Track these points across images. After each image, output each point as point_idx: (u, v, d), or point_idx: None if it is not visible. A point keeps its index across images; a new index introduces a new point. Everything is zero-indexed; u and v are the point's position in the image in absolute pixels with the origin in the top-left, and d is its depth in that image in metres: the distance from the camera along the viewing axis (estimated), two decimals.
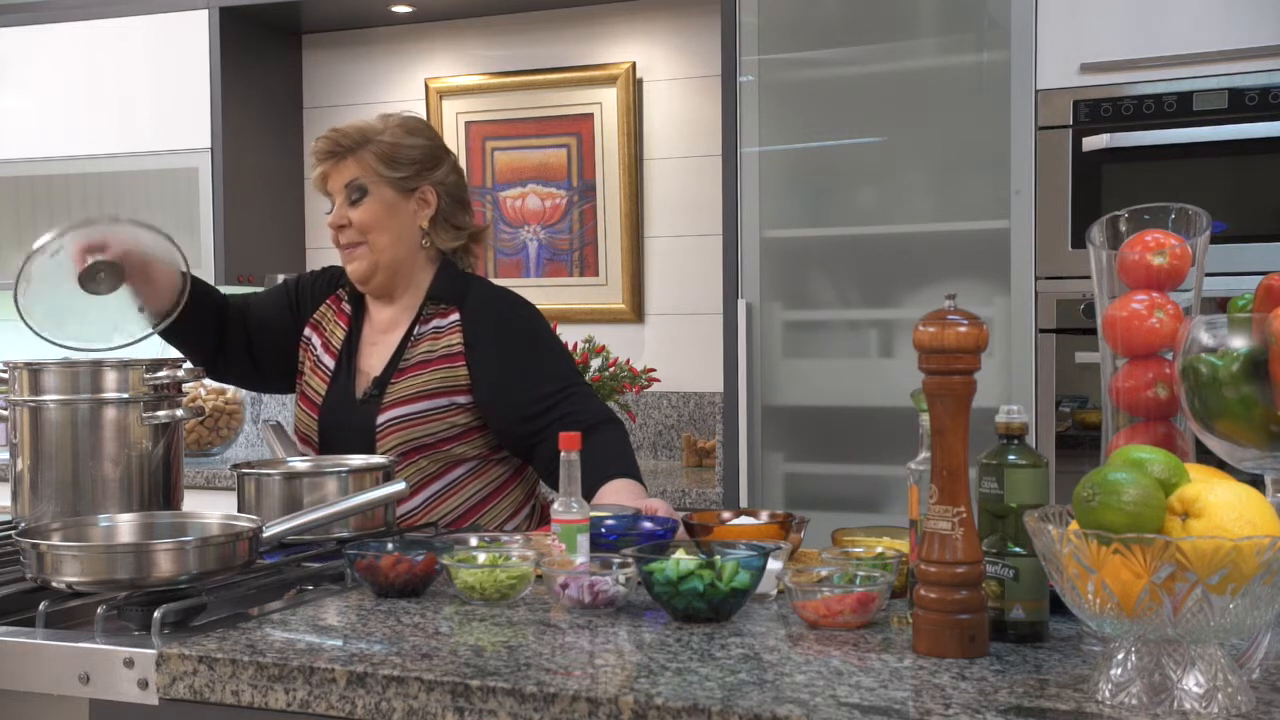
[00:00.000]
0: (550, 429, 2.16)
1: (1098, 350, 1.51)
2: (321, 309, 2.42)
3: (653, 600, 1.57)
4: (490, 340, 2.27)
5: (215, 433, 3.99)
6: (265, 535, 1.72)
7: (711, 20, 3.57)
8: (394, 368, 2.29)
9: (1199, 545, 1.13)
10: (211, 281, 3.90)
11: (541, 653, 1.41)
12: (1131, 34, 2.80)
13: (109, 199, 4.06)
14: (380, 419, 2.24)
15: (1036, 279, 2.87)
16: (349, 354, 2.35)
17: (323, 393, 2.34)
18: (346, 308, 2.39)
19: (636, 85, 3.91)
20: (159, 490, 1.96)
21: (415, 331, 2.30)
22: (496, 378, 2.25)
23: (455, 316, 2.30)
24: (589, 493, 2.07)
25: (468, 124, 4.10)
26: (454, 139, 4.10)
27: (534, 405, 2.22)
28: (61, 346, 2.04)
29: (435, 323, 2.30)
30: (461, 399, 2.25)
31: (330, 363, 2.36)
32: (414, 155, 2.31)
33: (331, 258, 2.36)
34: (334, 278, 2.44)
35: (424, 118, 2.38)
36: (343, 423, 2.29)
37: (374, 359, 2.33)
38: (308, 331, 2.41)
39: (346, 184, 2.29)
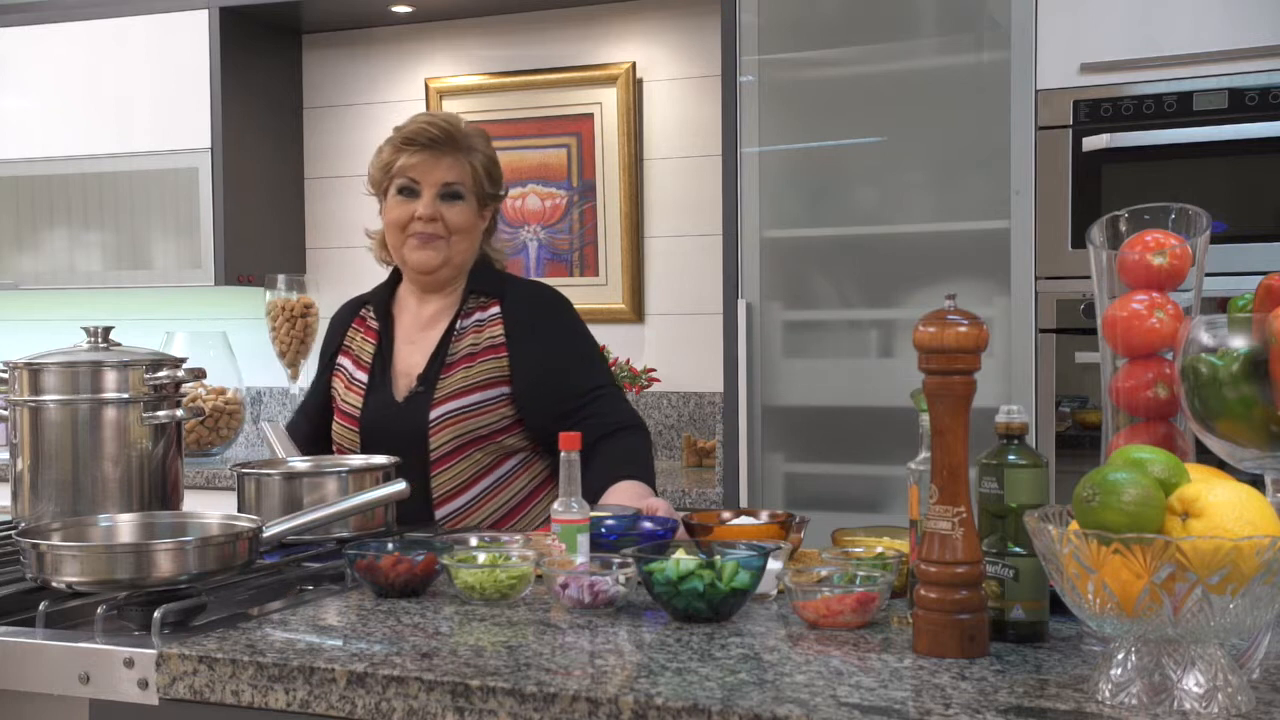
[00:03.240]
0: (579, 427, 2.15)
1: (1098, 350, 1.51)
2: (349, 334, 2.43)
3: (653, 600, 1.57)
4: (531, 333, 2.30)
5: (215, 433, 3.98)
6: (265, 535, 1.72)
7: (711, 20, 3.57)
8: (440, 363, 2.30)
9: (1199, 545, 1.13)
10: (212, 282, 3.94)
11: (541, 653, 1.41)
12: (1131, 34, 2.80)
13: (109, 199, 4.06)
14: (434, 414, 2.25)
15: (1036, 279, 2.87)
16: (382, 363, 2.36)
17: (360, 405, 2.34)
18: (373, 323, 2.40)
19: (636, 85, 3.90)
20: (159, 490, 1.96)
21: (458, 326, 2.32)
22: (536, 370, 2.27)
23: (496, 309, 2.32)
24: (599, 493, 2.09)
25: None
26: None
27: (568, 402, 2.25)
28: None
29: (477, 316, 2.32)
30: (507, 389, 2.27)
31: (363, 376, 2.36)
32: (500, 174, 2.39)
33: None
34: (354, 307, 2.47)
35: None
36: (387, 427, 2.29)
37: (414, 357, 2.34)
38: (340, 359, 2.42)
39: (447, 183, 2.29)
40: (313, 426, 2.45)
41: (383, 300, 2.41)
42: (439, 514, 2.25)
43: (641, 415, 3.82)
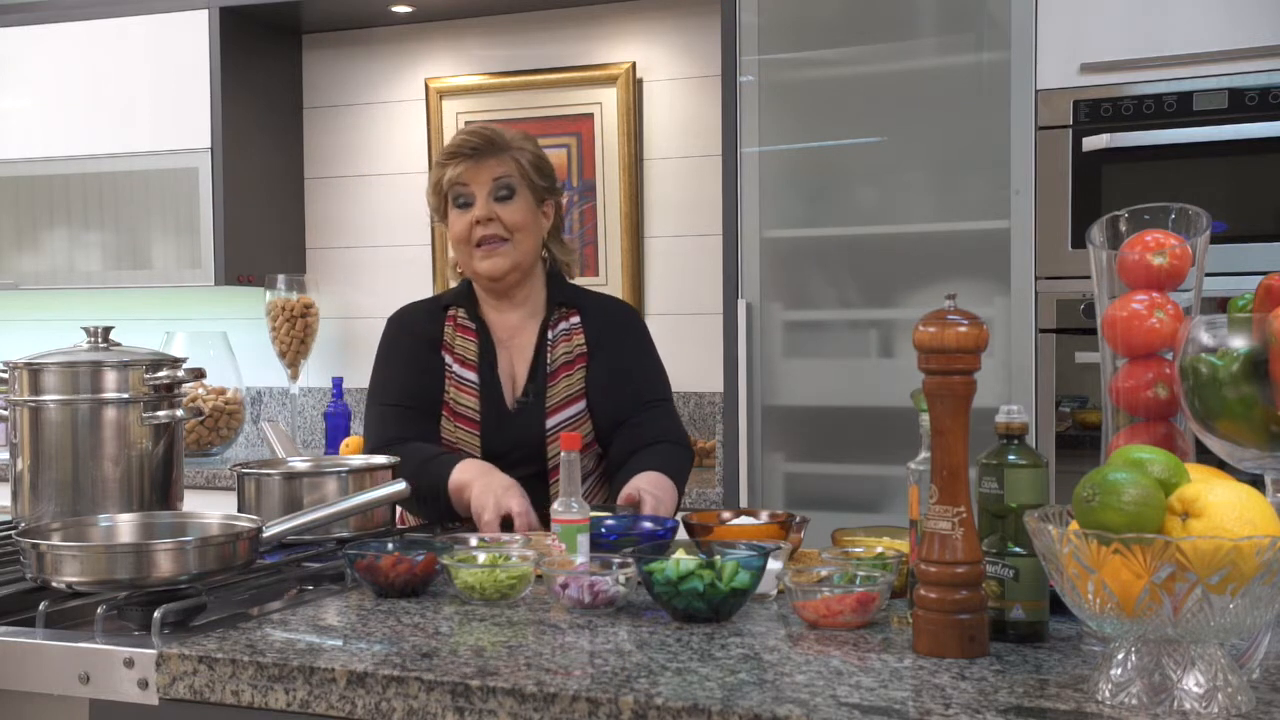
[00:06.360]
0: (629, 433, 2.29)
1: (1098, 350, 1.51)
2: (446, 331, 2.40)
3: (653, 600, 1.57)
4: (611, 342, 2.36)
5: (215, 433, 3.98)
6: (265, 535, 1.72)
7: (711, 20, 3.57)
8: (544, 370, 2.33)
9: (1199, 545, 1.13)
10: (212, 282, 3.94)
11: (541, 653, 1.41)
12: (1131, 34, 2.80)
13: (109, 199, 4.06)
14: (550, 422, 2.30)
15: (1036, 279, 2.87)
16: (488, 365, 2.36)
17: (477, 408, 2.33)
18: (465, 321, 2.40)
19: (636, 85, 3.90)
20: (159, 490, 1.96)
21: (550, 334, 2.36)
22: (609, 379, 2.34)
23: (576, 319, 2.38)
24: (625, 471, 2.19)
25: (468, 124, 4.08)
26: None
27: (625, 410, 2.33)
28: None
29: (563, 325, 2.37)
30: (586, 402, 2.34)
31: (472, 376, 2.35)
32: (550, 169, 2.40)
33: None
34: (438, 308, 2.42)
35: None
36: (504, 433, 2.31)
37: (508, 364, 2.37)
38: (444, 355, 2.39)
39: (495, 178, 2.31)
40: (423, 416, 2.35)
41: (473, 302, 2.40)
42: None
43: None
